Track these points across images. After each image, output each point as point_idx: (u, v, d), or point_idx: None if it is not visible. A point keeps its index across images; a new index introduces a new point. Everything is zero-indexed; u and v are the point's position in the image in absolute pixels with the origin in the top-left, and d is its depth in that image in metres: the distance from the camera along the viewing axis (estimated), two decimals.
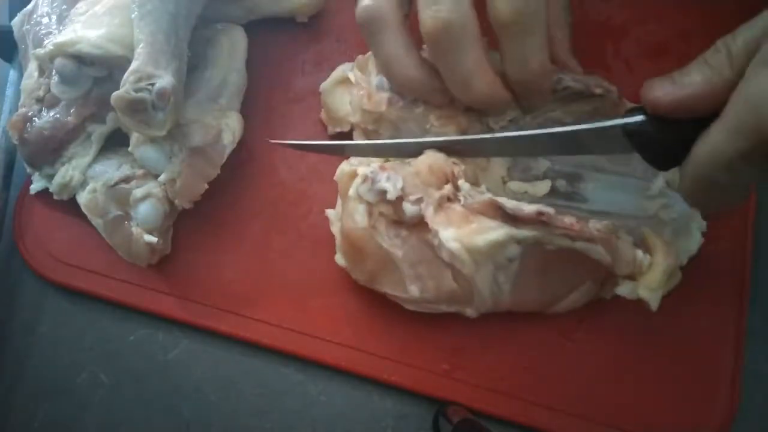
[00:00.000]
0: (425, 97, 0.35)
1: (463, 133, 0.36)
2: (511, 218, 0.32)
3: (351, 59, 0.42)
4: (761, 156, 0.25)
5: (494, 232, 0.32)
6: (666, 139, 0.30)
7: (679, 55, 0.42)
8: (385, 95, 0.36)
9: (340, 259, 0.37)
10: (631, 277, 0.34)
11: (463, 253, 0.32)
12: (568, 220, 0.32)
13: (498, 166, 0.37)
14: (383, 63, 0.34)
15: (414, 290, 0.34)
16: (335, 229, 0.37)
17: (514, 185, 0.36)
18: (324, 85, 0.40)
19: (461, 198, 0.33)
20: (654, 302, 0.34)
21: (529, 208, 0.32)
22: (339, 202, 0.37)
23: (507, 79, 0.33)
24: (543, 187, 0.36)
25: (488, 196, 0.33)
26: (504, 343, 0.37)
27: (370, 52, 0.38)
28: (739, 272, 0.38)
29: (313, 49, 0.44)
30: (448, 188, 0.33)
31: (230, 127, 0.38)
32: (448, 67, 0.32)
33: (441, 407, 0.37)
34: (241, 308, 0.39)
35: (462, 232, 0.32)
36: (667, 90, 0.28)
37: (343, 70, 0.40)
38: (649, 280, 0.33)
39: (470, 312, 0.36)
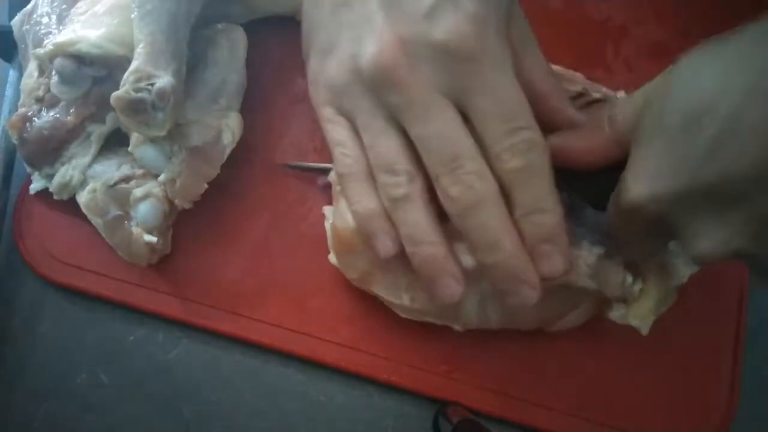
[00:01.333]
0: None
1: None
2: None
3: None
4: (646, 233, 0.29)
5: None
6: (573, 184, 0.32)
7: (679, 55, 0.42)
8: None
9: (332, 258, 0.37)
10: (624, 300, 0.34)
11: None
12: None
13: None
14: (491, 238, 0.30)
15: (406, 299, 0.34)
16: (328, 225, 0.37)
17: None
18: None
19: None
20: (645, 329, 0.34)
21: None
22: (330, 175, 0.37)
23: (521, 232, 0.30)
24: None
25: None
26: (504, 343, 0.37)
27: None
28: (738, 272, 0.38)
29: None
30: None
31: (230, 127, 0.38)
32: (477, 232, 0.30)
33: (441, 407, 0.37)
34: (241, 308, 0.39)
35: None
36: (557, 142, 0.30)
37: None
38: (640, 308, 0.33)
39: (458, 327, 0.36)
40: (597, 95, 0.35)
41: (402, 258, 0.31)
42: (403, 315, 0.36)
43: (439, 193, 0.30)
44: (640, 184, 0.26)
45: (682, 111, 0.25)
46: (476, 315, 0.33)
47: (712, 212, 0.25)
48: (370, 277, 0.35)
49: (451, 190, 0.29)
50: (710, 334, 0.37)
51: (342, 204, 0.34)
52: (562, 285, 0.32)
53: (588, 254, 0.32)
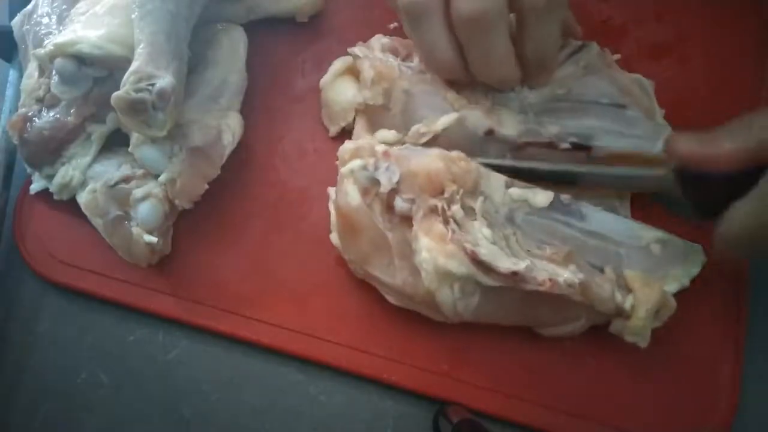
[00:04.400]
0: (455, 78, 0.36)
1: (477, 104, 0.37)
2: (484, 267, 0.32)
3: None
4: None
5: (459, 266, 0.32)
6: (691, 192, 0.34)
7: (679, 55, 0.42)
8: (394, 63, 0.37)
9: (334, 237, 0.37)
10: (621, 314, 0.34)
11: (430, 265, 0.32)
12: (540, 278, 0.32)
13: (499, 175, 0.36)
14: (426, 49, 0.35)
15: (399, 279, 0.34)
16: (331, 205, 0.37)
17: (515, 192, 0.35)
18: (324, 80, 0.41)
19: (450, 221, 0.33)
20: (642, 342, 0.35)
21: (504, 267, 0.32)
22: (340, 150, 0.37)
23: (522, 58, 0.34)
24: (543, 198, 0.35)
25: (469, 242, 0.32)
26: (503, 343, 0.37)
27: (372, 39, 0.39)
28: (738, 273, 0.38)
29: (313, 49, 0.44)
30: (440, 201, 0.33)
31: (230, 127, 0.38)
32: (480, 51, 0.33)
33: (441, 407, 0.37)
34: (241, 308, 0.39)
35: (435, 247, 0.32)
36: (692, 146, 0.32)
37: (345, 60, 0.40)
38: (633, 325, 0.34)
39: (439, 318, 0.36)
40: (578, 43, 0.37)
41: (396, 235, 0.34)
42: (394, 302, 0.36)
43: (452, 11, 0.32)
44: None
45: None
46: (451, 307, 0.34)
47: None
48: (368, 257, 0.35)
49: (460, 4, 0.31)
50: (710, 335, 0.37)
51: (345, 183, 0.35)
52: (550, 294, 0.32)
53: (571, 276, 0.33)
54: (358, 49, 0.39)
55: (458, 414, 0.35)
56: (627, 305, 0.34)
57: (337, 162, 0.36)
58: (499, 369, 0.37)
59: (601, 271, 0.34)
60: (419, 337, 0.38)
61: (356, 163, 0.34)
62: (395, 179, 0.33)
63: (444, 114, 0.36)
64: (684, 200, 0.35)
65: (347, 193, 0.34)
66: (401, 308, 0.37)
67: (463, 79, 0.36)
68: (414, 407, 0.38)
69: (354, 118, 0.40)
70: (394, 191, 0.34)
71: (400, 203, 0.33)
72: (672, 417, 0.36)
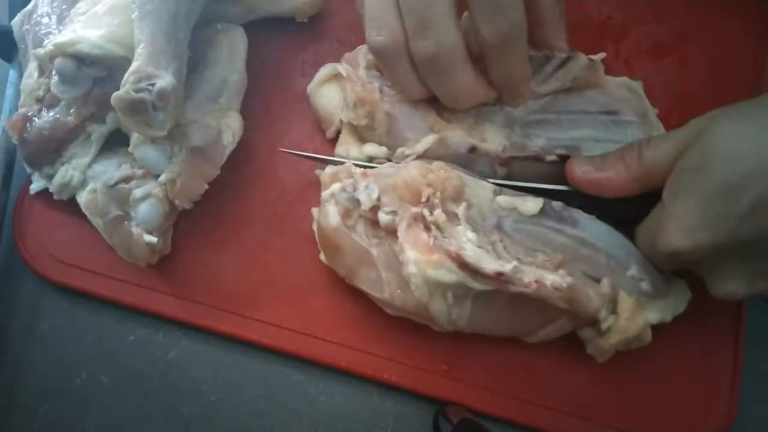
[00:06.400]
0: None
1: (468, 128, 0.37)
2: (470, 270, 0.32)
3: None
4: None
5: (448, 274, 0.32)
6: (599, 208, 0.35)
7: (679, 55, 0.42)
8: (376, 84, 0.37)
9: (322, 256, 0.37)
10: (593, 325, 0.34)
11: (419, 278, 0.32)
12: (527, 279, 0.32)
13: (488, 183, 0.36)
14: (399, 86, 0.36)
15: (386, 292, 0.35)
16: (315, 226, 0.38)
17: (503, 200, 0.35)
18: (310, 87, 0.40)
19: (432, 227, 0.33)
20: (600, 359, 0.35)
21: (489, 268, 0.32)
22: (321, 175, 0.37)
23: (492, 82, 0.35)
24: (533, 206, 0.35)
25: (453, 245, 0.32)
26: (504, 343, 0.37)
27: (358, 49, 0.38)
28: None
29: (313, 49, 0.44)
30: (421, 209, 0.33)
31: (230, 127, 0.38)
32: (442, 87, 0.34)
33: (441, 407, 0.37)
34: (241, 308, 0.39)
35: (421, 258, 0.32)
36: (587, 170, 0.34)
37: (330, 68, 0.40)
38: (601, 344, 0.34)
39: (436, 328, 0.36)
40: (563, 55, 0.36)
41: (383, 249, 0.34)
42: (389, 312, 0.36)
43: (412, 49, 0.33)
44: (681, 236, 0.30)
45: (721, 179, 0.29)
46: (446, 318, 0.34)
47: (741, 260, 0.30)
48: (355, 273, 0.36)
49: (419, 45, 0.32)
50: (710, 335, 0.37)
51: (326, 205, 0.35)
52: (535, 300, 0.33)
53: (559, 279, 0.33)
54: (342, 68, 0.38)
55: (458, 414, 0.35)
56: (604, 325, 0.34)
57: (321, 178, 0.37)
58: (498, 369, 0.37)
59: (597, 281, 0.34)
60: (419, 337, 0.38)
61: (336, 187, 0.35)
62: (375, 195, 0.34)
63: (425, 137, 0.36)
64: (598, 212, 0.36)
65: (328, 215, 0.35)
66: (394, 313, 0.37)
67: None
68: (414, 407, 0.38)
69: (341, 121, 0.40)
70: (375, 207, 0.34)
71: (383, 217, 0.34)
72: (672, 417, 0.36)
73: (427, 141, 0.36)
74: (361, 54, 0.38)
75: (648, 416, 0.36)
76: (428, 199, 0.34)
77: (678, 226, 0.30)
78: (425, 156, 0.36)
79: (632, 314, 0.34)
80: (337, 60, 0.41)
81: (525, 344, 0.37)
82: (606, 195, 0.34)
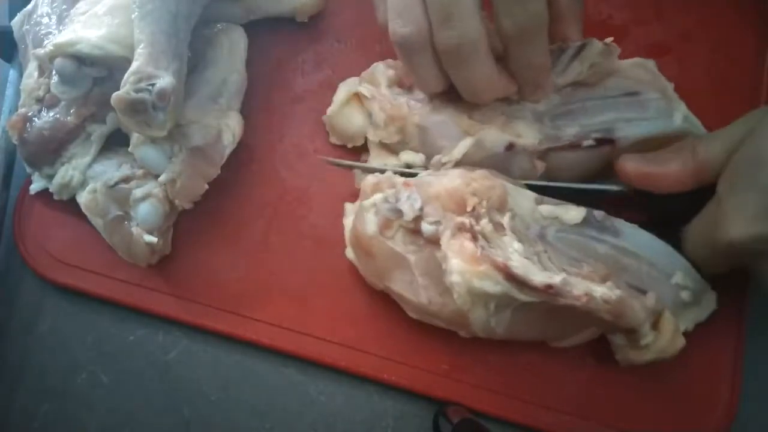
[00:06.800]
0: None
1: (503, 126, 0.37)
2: (518, 282, 0.31)
3: (351, 59, 0.42)
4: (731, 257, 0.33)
5: (494, 285, 0.31)
6: (646, 207, 0.36)
7: (679, 55, 0.42)
8: (403, 100, 0.37)
9: (349, 252, 0.37)
10: (628, 333, 0.34)
11: (463, 288, 0.32)
12: (576, 292, 0.31)
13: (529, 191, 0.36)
14: (420, 80, 0.36)
15: (423, 297, 0.34)
16: (347, 222, 0.38)
17: (545, 209, 0.35)
18: (331, 110, 0.40)
19: (479, 236, 0.32)
20: (623, 364, 0.35)
21: (538, 280, 0.31)
22: (362, 184, 0.37)
23: (512, 75, 0.35)
24: (575, 215, 0.35)
25: (500, 256, 0.32)
26: (504, 343, 0.37)
27: (374, 66, 0.38)
28: (739, 274, 0.38)
29: (313, 49, 0.44)
30: (466, 218, 0.33)
31: (230, 127, 0.38)
32: (462, 79, 0.34)
33: (441, 407, 0.37)
34: (241, 308, 0.39)
35: (467, 269, 0.31)
36: (639, 165, 0.35)
37: (348, 88, 0.39)
38: (633, 357, 0.34)
39: (464, 334, 0.36)
40: (577, 44, 0.36)
41: (422, 256, 0.34)
42: (413, 316, 0.36)
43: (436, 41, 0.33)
44: (741, 227, 0.30)
45: None
46: (483, 325, 0.33)
47: None
48: (388, 275, 0.35)
49: (443, 35, 0.32)
50: (710, 334, 0.37)
51: (365, 214, 0.35)
52: (569, 307, 0.32)
53: (608, 291, 0.32)
54: (365, 89, 0.38)
55: (458, 414, 0.35)
56: (644, 341, 0.33)
57: (360, 186, 0.37)
58: (499, 369, 0.37)
59: (644, 293, 0.34)
60: (419, 337, 0.38)
61: (378, 197, 0.35)
62: (417, 205, 0.34)
63: (461, 141, 0.36)
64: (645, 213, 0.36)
65: (365, 222, 0.35)
66: (401, 308, 0.37)
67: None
68: (414, 407, 0.38)
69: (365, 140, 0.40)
70: (418, 218, 0.34)
71: (426, 227, 0.33)
72: (672, 417, 0.36)
73: (464, 145, 0.36)
74: (380, 72, 0.38)
75: (648, 416, 0.36)
76: (474, 208, 0.33)
77: (737, 218, 0.31)
78: (462, 161, 0.36)
79: (674, 335, 0.33)
80: (338, 60, 0.41)
81: (525, 344, 0.37)
82: (658, 190, 0.34)
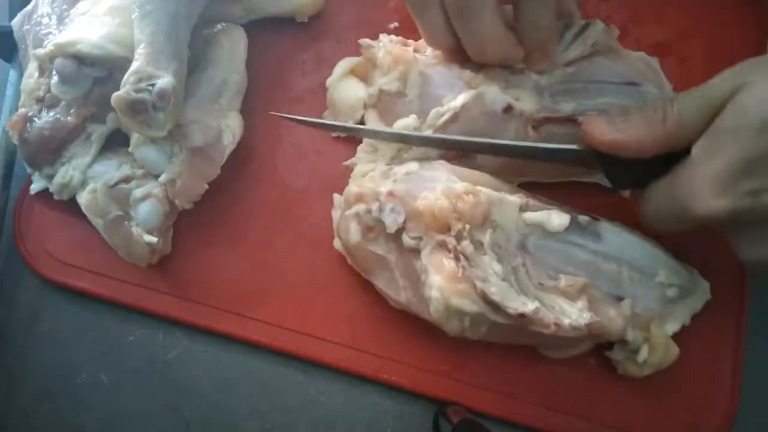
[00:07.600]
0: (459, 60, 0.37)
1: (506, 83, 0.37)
2: (493, 306, 0.32)
3: None
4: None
5: (471, 305, 0.32)
6: (608, 169, 0.34)
7: (679, 55, 0.42)
8: (410, 48, 0.38)
9: (337, 243, 0.38)
10: (624, 345, 0.35)
11: (441, 303, 0.32)
12: (547, 320, 0.32)
13: (514, 197, 0.36)
14: (428, 34, 0.36)
15: (403, 297, 0.35)
16: (336, 214, 0.38)
17: (529, 216, 0.35)
18: (330, 80, 0.41)
19: (460, 256, 0.33)
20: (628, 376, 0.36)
21: (513, 307, 0.32)
22: (345, 192, 0.37)
23: (520, 37, 0.35)
24: (559, 222, 0.35)
25: (479, 279, 0.32)
26: (504, 343, 0.37)
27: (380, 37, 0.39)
28: (738, 273, 0.38)
29: (313, 49, 0.44)
30: (448, 237, 0.33)
31: (230, 127, 0.38)
32: (469, 33, 0.35)
33: (441, 407, 0.37)
34: (241, 308, 0.39)
35: (446, 286, 0.32)
36: (605, 130, 0.32)
37: (349, 61, 0.40)
38: (634, 371, 0.35)
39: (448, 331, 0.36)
40: (582, 23, 0.37)
41: (402, 261, 0.34)
42: (398, 307, 0.37)
43: None
44: (721, 197, 0.28)
45: (766, 139, 0.27)
46: (457, 335, 0.34)
47: None
48: (372, 272, 0.36)
49: None
50: (710, 334, 0.37)
51: (348, 223, 0.35)
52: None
53: (577, 318, 0.32)
54: (369, 41, 0.39)
55: (458, 414, 0.35)
56: (640, 358, 0.34)
57: (343, 196, 0.37)
58: (499, 369, 0.37)
59: (618, 300, 0.34)
60: (419, 337, 0.38)
61: (361, 208, 0.35)
62: (401, 220, 0.34)
63: (462, 93, 0.36)
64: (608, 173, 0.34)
65: (349, 231, 0.35)
66: (402, 309, 0.37)
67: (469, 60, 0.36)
68: (414, 407, 0.38)
69: (362, 116, 0.40)
70: (400, 230, 0.34)
71: (407, 240, 0.34)
72: (672, 417, 0.36)
73: (466, 96, 0.36)
74: (384, 37, 0.39)
75: (648, 416, 0.36)
76: (457, 231, 0.33)
77: (715, 188, 0.29)
78: (460, 115, 0.36)
79: (666, 347, 0.34)
80: (338, 60, 0.41)
81: (525, 344, 0.37)
82: (625, 156, 0.32)
